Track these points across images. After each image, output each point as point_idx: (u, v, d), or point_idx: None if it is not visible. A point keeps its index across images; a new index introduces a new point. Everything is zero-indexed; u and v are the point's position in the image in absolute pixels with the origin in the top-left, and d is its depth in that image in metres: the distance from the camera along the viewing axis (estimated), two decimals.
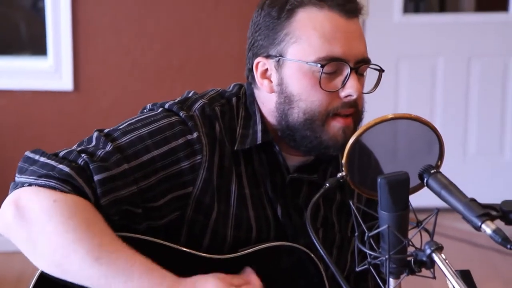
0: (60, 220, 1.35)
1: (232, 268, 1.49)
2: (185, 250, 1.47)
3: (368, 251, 1.13)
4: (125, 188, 1.42)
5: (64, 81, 3.90)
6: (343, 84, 1.46)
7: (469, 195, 1.15)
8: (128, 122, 1.50)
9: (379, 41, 4.22)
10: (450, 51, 4.41)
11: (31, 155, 1.44)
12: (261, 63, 1.51)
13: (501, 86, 4.45)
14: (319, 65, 1.44)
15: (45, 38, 3.89)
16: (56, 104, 3.94)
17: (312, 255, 1.51)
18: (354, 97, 1.46)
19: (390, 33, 4.35)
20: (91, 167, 1.40)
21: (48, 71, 3.90)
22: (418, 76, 4.42)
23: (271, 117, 1.53)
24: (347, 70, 1.45)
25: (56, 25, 3.84)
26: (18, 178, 1.42)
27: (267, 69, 1.51)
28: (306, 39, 1.45)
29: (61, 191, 1.37)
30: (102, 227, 1.37)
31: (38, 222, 1.36)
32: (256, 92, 1.56)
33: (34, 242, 1.37)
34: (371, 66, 1.50)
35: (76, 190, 1.38)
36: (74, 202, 1.37)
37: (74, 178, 1.39)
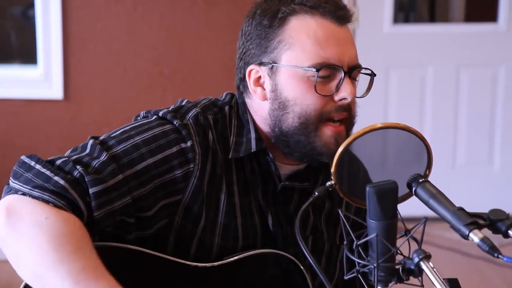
0: (48, 238, 1.34)
1: (218, 276, 1.49)
2: (171, 259, 1.47)
3: (356, 259, 1.14)
4: (119, 199, 1.41)
5: (54, 90, 3.90)
6: (337, 88, 1.47)
7: (458, 205, 1.16)
8: (123, 130, 1.50)
9: (369, 50, 4.25)
10: (439, 61, 4.44)
11: (27, 160, 1.44)
12: (254, 71, 1.52)
13: (490, 96, 4.48)
14: (314, 70, 1.45)
15: (35, 46, 3.89)
16: (46, 113, 3.94)
17: (298, 262, 1.52)
18: (348, 100, 1.48)
19: (380, 43, 4.37)
20: (86, 180, 1.39)
21: (38, 79, 3.90)
22: (408, 85, 4.44)
23: (264, 125, 1.54)
24: (340, 75, 1.47)
25: (46, 33, 3.84)
26: (12, 183, 1.42)
27: (260, 77, 1.52)
28: (300, 45, 1.47)
29: (55, 205, 1.37)
30: (88, 251, 1.36)
31: (27, 235, 1.35)
32: (248, 101, 1.57)
33: (20, 253, 1.36)
34: (363, 71, 1.52)
35: (70, 204, 1.38)
36: (65, 221, 1.36)
37: (69, 191, 1.38)
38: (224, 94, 1.62)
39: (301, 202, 1.57)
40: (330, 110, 1.48)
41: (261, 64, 1.51)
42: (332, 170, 1.22)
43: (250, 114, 1.56)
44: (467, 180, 4.52)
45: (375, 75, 1.53)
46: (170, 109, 1.54)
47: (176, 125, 1.49)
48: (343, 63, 1.47)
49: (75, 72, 3.91)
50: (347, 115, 1.50)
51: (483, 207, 1.20)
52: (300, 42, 1.47)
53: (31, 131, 3.95)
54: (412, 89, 4.45)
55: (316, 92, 1.46)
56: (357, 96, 1.51)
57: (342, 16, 1.49)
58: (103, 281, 1.33)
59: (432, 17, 5.77)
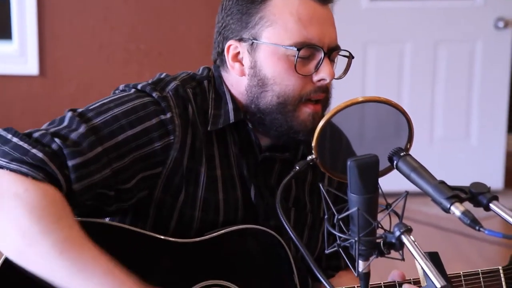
0: (30, 210, 1.32)
1: (198, 252, 1.49)
2: (151, 235, 1.47)
3: (337, 233, 1.14)
4: (99, 172, 1.41)
5: (29, 66, 3.85)
6: (317, 69, 1.48)
7: None
8: (101, 102, 1.48)
9: (346, 26, 4.23)
10: (417, 36, 4.44)
11: (3, 133, 1.41)
12: (233, 46, 1.51)
13: (468, 72, 4.49)
14: (295, 49, 1.45)
15: (10, 22, 3.84)
16: (21, 89, 3.90)
17: (278, 237, 1.52)
18: (327, 81, 1.48)
19: (358, 18, 4.36)
20: (65, 152, 1.38)
21: (13, 55, 3.85)
22: (386, 62, 4.45)
23: (241, 99, 1.54)
24: (320, 55, 1.48)
25: (21, 8, 3.79)
26: None
27: (239, 52, 1.52)
28: (282, 23, 1.47)
29: (34, 178, 1.35)
30: (71, 222, 1.35)
31: (7, 208, 1.34)
32: (224, 75, 1.56)
33: (1, 227, 1.35)
34: (341, 52, 1.53)
35: (49, 176, 1.36)
36: (45, 193, 1.34)
37: (47, 164, 1.36)
38: (201, 68, 1.61)
39: (282, 173, 1.57)
40: (309, 91, 1.49)
41: (240, 40, 1.50)
42: (313, 144, 1.21)
43: (226, 86, 1.55)
44: (444, 155, 4.54)
45: (353, 57, 1.54)
46: (149, 82, 1.53)
47: (155, 97, 1.48)
48: (323, 44, 1.48)
49: (51, 48, 3.86)
50: (324, 96, 1.51)
51: (459, 182, 1.19)
52: (283, 20, 1.47)
53: (6, 108, 3.91)
54: (390, 65, 4.45)
55: (296, 71, 1.46)
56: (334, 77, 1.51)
57: None
58: (87, 250, 1.33)
59: None
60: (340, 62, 1.55)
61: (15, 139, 1.39)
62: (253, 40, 1.48)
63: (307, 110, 1.49)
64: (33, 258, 1.33)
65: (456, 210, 1.08)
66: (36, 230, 1.32)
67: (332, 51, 1.49)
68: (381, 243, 1.12)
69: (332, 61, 1.51)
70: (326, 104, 1.52)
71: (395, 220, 1.14)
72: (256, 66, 1.49)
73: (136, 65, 3.92)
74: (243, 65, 1.52)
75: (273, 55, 1.47)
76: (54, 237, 1.32)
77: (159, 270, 1.47)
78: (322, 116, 1.50)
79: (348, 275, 1.68)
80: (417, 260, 1.09)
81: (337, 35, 1.51)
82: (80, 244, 1.33)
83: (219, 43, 1.54)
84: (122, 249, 1.42)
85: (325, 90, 1.50)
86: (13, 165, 1.36)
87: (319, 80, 1.48)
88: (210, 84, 1.56)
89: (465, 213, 1.06)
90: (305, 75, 1.47)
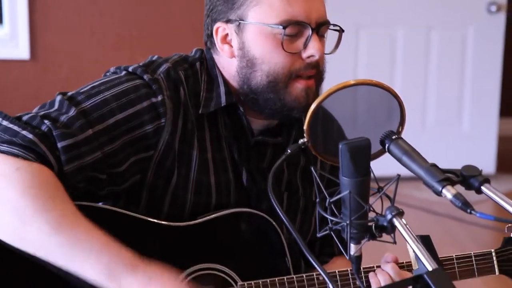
0: (22, 188, 1.32)
1: (190, 235, 1.49)
2: (143, 218, 1.46)
3: (329, 217, 1.13)
4: (89, 154, 1.41)
5: (20, 50, 3.83)
6: (305, 45, 1.48)
7: None
8: (92, 85, 1.48)
9: (338, 10, 4.23)
10: (410, 21, 4.43)
11: None
12: (221, 28, 1.51)
13: (460, 57, 4.49)
14: (281, 27, 1.44)
15: (1, 5, 3.81)
16: (12, 73, 3.87)
17: (271, 220, 1.52)
18: (316, 57, 1.48)
19: (350, 2, 4.35)
20: (54, 134, 1.38)
21: (4, 39, 3.82)
22: (378, 46, 4.44)
23: (233, 81, 1.54)
24: (308, 32, 1.47)
25: None
26: None
27: (227, 34, 1.51)
28: (267, 2, 1.47)
29: (24, 158, 1.35)
30: (64, 199, 1.35)
31: (0, 189, 1.33)
32: (216, 57, 1.56)
33: None
34: (331, 27, 1.52)
35: (39, 157, 1.36)
36: (37, 171, 1.34)
37: (38, 145, 1.36)
38: (194, 50, 1.61)
39: (274, 157, 1.57)
40: (299, 68, 1.48)
41: (228, 21, 1.50)
42: (305, 127, 1.21)
43: (218, 69, 1.55)
44: (436, 140, 4.55)
45: (343, 31, 1.53)
46: (140, 64, 1.53)
47: (146, 79, 1.48)
48: (310, 20, 1.47)
49: (42, 32, 3.83)
50: (315, 71, 1.50)
51: (451, 166, 1.19)
52: None
53: None
54: (382, 49, 4.45)
55: (284, 49, 1.46)
56: (325, 53, 1.51)
57: None
58: (82, 226, 1.33)
59: None
60: (332, 38, 1.54)
61: (4, 122, 1.40)
62: (240, 21, 1.48)
63: (299, 86, 1.48)
64: (30, 238, 1.33)
65: (448, 193, 1.07)
66: (31, 210, 1.32)
67: (320, 26, 1.49)
68: (373, 226, 1.12)
69: (321, 36, 1.51)
70: (319, 79, 1.52)
71: (387, 203, 1.14)
72: (244, 47, 1.49)
73: (128, 50, 3.90)
74: (232, 46, 1.51)
75: (260, 35, 1.47)
76: (48, 215, 1.32)
77: (151, 253, 1.46)
78: (316, 91, 1.51)
79: (341, 260, 1.69)
80: (408, 243, 1.09)
81: (325, 11, 1.51)
82: (75, 221, 1.33)
83: (208, 26, 1.54)
84: (115, 232, 1.41)
85: (316, 66, 1.49)
86: (3, 147, 1.36)
87: (309, 57, 1.48)
88: (203, 66, 1.56)
89: (457, 196, 1.06)
90: (293, 52, 1.47)
